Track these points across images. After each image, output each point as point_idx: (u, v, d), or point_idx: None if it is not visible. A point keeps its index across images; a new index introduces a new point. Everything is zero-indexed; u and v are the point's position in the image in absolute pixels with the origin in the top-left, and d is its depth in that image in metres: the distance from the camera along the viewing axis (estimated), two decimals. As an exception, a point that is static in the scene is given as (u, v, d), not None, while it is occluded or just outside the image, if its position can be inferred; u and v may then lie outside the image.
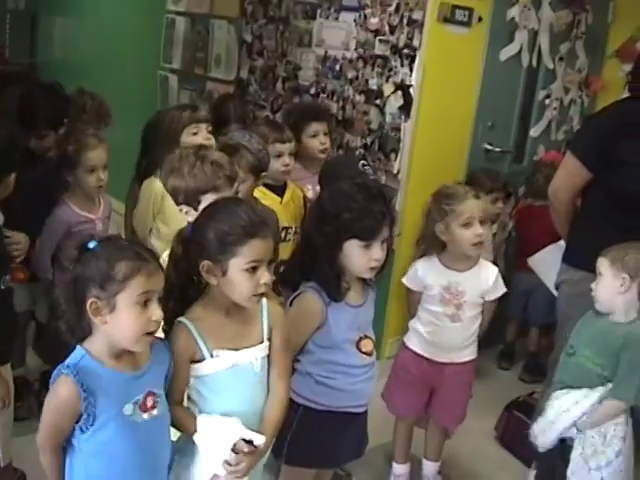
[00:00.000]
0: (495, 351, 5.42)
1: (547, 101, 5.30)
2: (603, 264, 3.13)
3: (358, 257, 2.75)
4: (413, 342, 3.61)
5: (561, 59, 5.29)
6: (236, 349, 2.41)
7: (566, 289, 3.64)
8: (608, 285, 3.10)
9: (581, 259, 3.43)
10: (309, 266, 2.79)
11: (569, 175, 3.64)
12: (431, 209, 3.50)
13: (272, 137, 3.86)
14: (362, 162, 3.74)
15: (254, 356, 2.45)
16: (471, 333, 3.59)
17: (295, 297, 2.83)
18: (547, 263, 3.82)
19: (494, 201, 4.58)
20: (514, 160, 5.24)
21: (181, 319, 2.36)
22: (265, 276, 2.36)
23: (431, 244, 3.53)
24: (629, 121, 3.45)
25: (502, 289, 3.62)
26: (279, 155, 3.85)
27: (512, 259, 5.26)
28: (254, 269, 2.33)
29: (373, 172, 4.51)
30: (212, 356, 2.37)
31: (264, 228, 2.39)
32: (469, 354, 3.63)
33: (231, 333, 2.42)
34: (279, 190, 3.88)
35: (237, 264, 2.32)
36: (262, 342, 2.48)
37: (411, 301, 3.67)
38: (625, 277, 3.06)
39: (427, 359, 3.58)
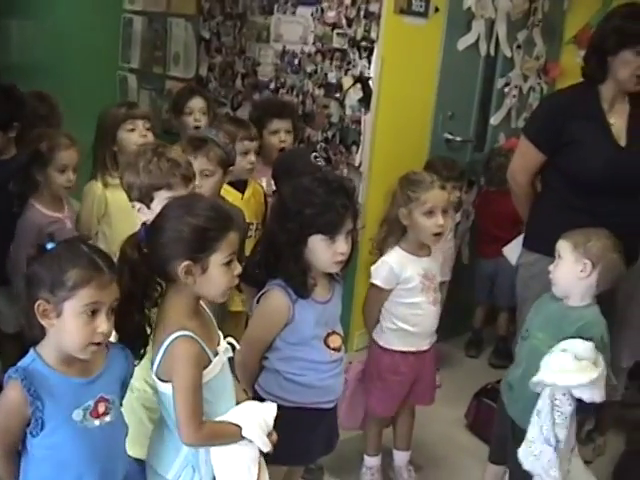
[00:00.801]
0: (463, 339, 5.46)
1: (506, 89, 5.34)
2: (565, 248, 3.14)
3: (323, 252, 2.75)
4: (393, 342, 3.55)
5: (519, 47, 5.33)
6: (219, 344, 2.44)
7: (522, 272, 3.69)
8: (568, 269, 3.11)
9: (536, 242, 3.48)
10: (273, 264, 2.79)
11: (524, 158, 3.69)
12: (396, 193, 3.50)
13: (241, 134, 3.87)
14: (314, 154, 3.73)
15: (231, 343, 2.49)
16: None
17: (261, 295, 2.83)
18: (518, 251, 3.85)
19: (450, 190, 4.55)
20: (475, 149, 5.27)
21: (183, 333, 2.28)
22: (238, 267, 2.38)
23: (392, 227, 3.53)
24: (578, 102, 3.51)
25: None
26: (246, 152, 3.87)
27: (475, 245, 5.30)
28: (230, 262, 2.34)
29: (335, 165, 4.55)
30: (215, 355, 2.38)
31: (233, 219, 2.41)
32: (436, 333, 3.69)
33: (208, 331, 2.43)
34: (240, 186, 3.89)
35: (217, 259, 2.32)
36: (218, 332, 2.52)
37: (377, 301, 3.56)
38: (587, 263, 3.07)
39: (413, 353, 3.56)
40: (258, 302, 2.84)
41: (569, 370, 2.88)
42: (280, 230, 2.76)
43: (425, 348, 3.58)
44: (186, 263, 2.28)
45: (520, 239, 3.85)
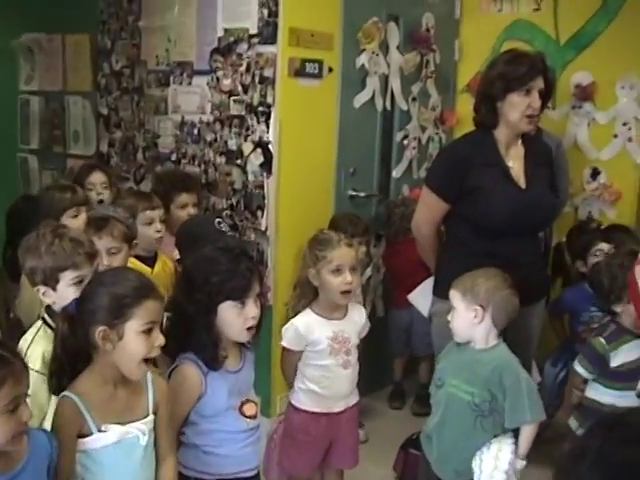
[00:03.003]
0: (385, 392, 5.46)
1: (405, 141, 5.42)
2: (455, 297, 3.23)
3: (234, 318, 2.76)
4: (304, 402, 3.53)
5: (414, 99, 5.43)
6: (123, 423, 2.40)
7: (436, 321, 3.71)
8: (463, 317, 3.20)
9: (446, 290, 3.49)
10: (183, 337, 2.78)
11: (428, 208, 3.75)
12: (306, 254, 3.52)
13: (141, 206, 3.87)
14: (217, 220, 3.74)
15: (140, 430, 2.44)
16: (357, 374, 3.61)
17: (172, 370, 2.81)
18: (424, 297, 3.89)
19: (357, 246, 4.60)
20: (380, 203, 5.30)
21: (66, 393, 2.33)
22: (159, 338, 2.39)
23: (304, 289, 3.53)
24: (476, 150, 3.60)
25: (368, 325, 3.69)
26: (150, 222, 3.85)
27: (388, 298, 5.32)
28: (149, 331, 2.35)
29: (242, 231, 4.57)
30: (99, 431, 2.35)
31: (155, 289, 2.43)
32: (356, 395, 3.65)
33: (119, 406, 2.41)
34: (149, 261, 3.87)
35: (133, 326, 2.33)
36: (147, 416, 2.48)
37: (289, 363, 3.57)
38: (477, 308, 3.16)
39: (325, 414, 3.54)
40: (169, 377, 2.81)
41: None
42: (188, 302, 2.76)
43: (338, 410, 3.54)
44: (102, 328, 2.31)
45: (424, 285, 3.90)
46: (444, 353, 3.40)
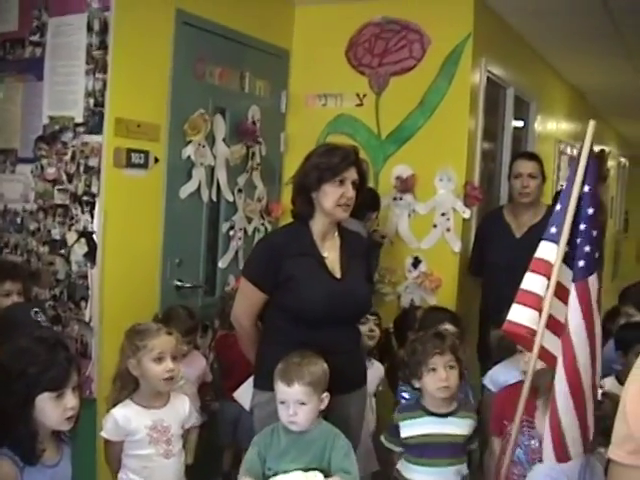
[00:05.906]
0: (215, 483, 5.40)
1: (231, 232, 5.48)
2: (305, 392, 3.24)
3: (53, 410, 2.72)
4: None
5: (240, 190, 5.52)
6: None
7: (258, 412, 3.67)
8: (314, 407, 3.27)
9: (267, 381, 3.49)
10: None
11: (246, 298, 3.76)
12: (124, 346, 3.52)
13: None
14: (35, 310, 3.69)
15: None
16: (182, 464, 3.58)
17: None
18: (249, 394, 3.88)
19: (193, 341, 4.65)
20: (206, 293, 5.32)
21: None
22: None
23: (125, 381, 3.52)
24: (292, 240, 3.67)
25: (195, 414, 3.72)
26: None
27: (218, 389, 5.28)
28: None
29: (65, 322, 4.50)
30: None
31: None
32: None
33: None
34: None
35: None
36: None
37: (111, 453, 3.52)
38: (324, 396, 3.27)
39: None
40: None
41: None
42: (5, 394, 2.69)
43: None
44: None
45: (249, 382, 3.89)
46: (262, 444, 3.37)
